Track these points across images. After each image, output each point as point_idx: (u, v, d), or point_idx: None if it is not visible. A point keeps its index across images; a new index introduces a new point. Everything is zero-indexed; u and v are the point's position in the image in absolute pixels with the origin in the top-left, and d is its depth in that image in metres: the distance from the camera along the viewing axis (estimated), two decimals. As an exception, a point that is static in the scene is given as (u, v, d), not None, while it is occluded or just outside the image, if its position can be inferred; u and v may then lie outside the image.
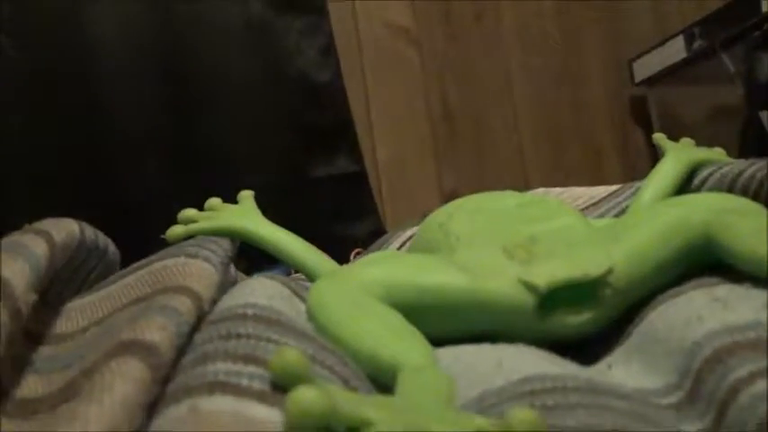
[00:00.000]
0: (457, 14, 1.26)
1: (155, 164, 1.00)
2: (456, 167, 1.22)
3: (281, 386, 0.16)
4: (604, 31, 1.35)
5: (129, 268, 0.28)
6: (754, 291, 0.22)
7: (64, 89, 0.97)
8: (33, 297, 0.21)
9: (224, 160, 1.03)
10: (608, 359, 0.24)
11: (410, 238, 0.48)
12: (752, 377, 0.17)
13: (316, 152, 1.08)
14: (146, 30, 1.02)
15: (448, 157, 1.22)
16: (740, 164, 0.34)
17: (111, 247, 0.31)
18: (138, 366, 0.16)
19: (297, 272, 0.39)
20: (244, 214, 0.37)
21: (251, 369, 0.17)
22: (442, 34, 1.24)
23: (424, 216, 0.34)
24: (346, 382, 0.19)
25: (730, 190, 0.33)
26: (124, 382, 0.15)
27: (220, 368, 0.17)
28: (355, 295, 0.24)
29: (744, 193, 0.31)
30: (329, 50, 1.10)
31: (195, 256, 0.26)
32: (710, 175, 0.35)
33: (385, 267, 0.26)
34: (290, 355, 0.16)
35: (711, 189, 0.34)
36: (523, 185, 1.20)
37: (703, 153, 0.38)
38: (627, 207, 0.39)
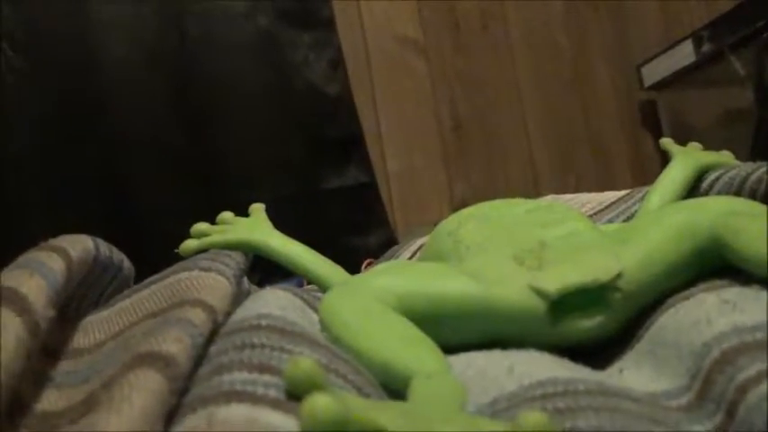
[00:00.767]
0: (464, 24, 1.26)
1: (166, 178, 1.01)
2: (466, 176, 1.22)
3: (295, 394, 0.17)
4: (612, 37, 1.36)
5: (143, 283, 0.28)
6: (763, 292, 0.22)
7: (73, 104, 0.98)
8: (52, 313, 0.22)
9: (235, 174, 1.03)
10: (619, 363, 0.25)
11: (420, 247, 0.48)
12: (760, 377, 0.18)
13: (326, 164, 1.08)
14: (156, 44, 1.03)
15: (458, 166, 1.22)
16: (748, 167, 0.34)
17: (126, 263, 0.31)
18: (156, 378, 0.16)
19: (309, 283, 0.39)
20: (256, 227, 0.37)
21: (266, 378, 0.17)
22: (449, 44, 1.25)
23: (435, 226, 0.34)
24: (359, 390, 0.19)
25: (738, 193, 0.33)
26: (142, 393, 0.15)
27: (236, 378, 0.17)
28: (367, 304, 0.24)
29: (752, 196, 0.32)
30: (338, 63, 1.11)
31: (209, 270, 0.26)
32: (718, 178, 0.35)
33: (396, 276, 0.26)
34: (305, 364, 0.16)
35: (719, 192, 0.35)
36: (534, 192, 1.20)
37: (711, 157, 0.39)
38: (635, 212, 0.39)
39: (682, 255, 0.26)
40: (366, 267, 0.66)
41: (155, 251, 0.39)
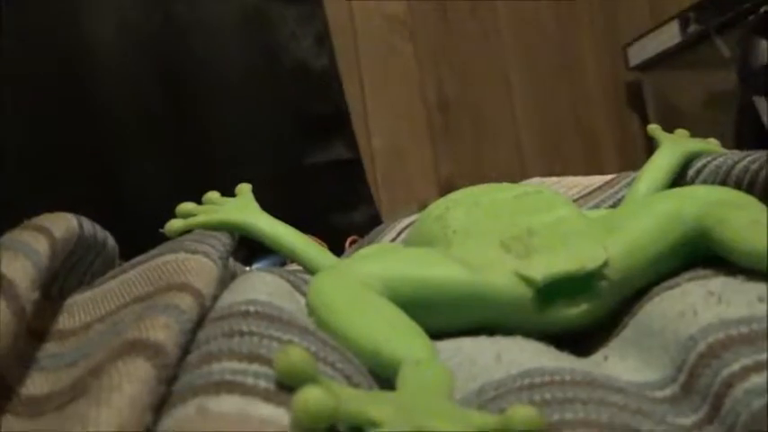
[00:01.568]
0: (452, 4, 1.25)
1: (152, 156, 1.00)
2: (452, 156, 1.22)
3: (286, 385, 0.17)
4: (600, 18, 1.35)
5: (128, 263, 0.28)
6: (747, 284, 0.22)
7: (59, 86, 0.96)
8: (36, 295, 0.22)
9: (221, 149, 1.02)
10: (604, 350, 0.25)
11: (406, 227, 0.48)
12: (746, 371, 0.18)
13: (311, 140, 1.08)
14: (141, 22, 1.01)
15: (444, 145, 1.22)
16: (734, 155, 0.34)
17: (110, 241, 0.31)
18: (145, 366, 0.16)
19: (292, 262, 0.39)
20: (242, 208, 0.37)
21: (255, 368, 0.17)
22: (437, 24, 1.24)
23: (421, 206, 0.34)
24: (349, 379, 0.19)
25: (724, 182, 0.33)
26: (132, 382, 0.15)
27: (226, 367, 0.17)
28: (354, 290, 0.24)
29: (737, 185, 0.32)
30: (324, 38, 1.10)
31: (195, 252, 0.26)
32: (704, 166, 0.35)
33: (383, 261, 0.26)
34: (295, 354, 0.16)
35: (705, 180, 0.35)
36: (520, 172, 1.21)
37: (698, 144, 0.39)
38: (622, 198, 0.39)
39: (668, 244, 0.26)
40: (350, 245, 0.66)
41: (140, 230, 0.38)
